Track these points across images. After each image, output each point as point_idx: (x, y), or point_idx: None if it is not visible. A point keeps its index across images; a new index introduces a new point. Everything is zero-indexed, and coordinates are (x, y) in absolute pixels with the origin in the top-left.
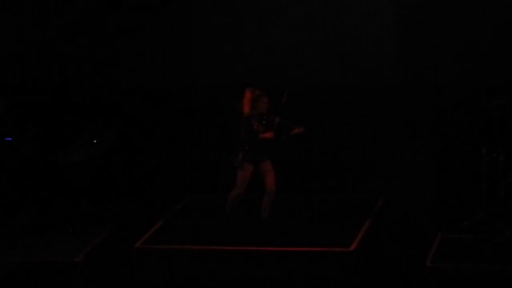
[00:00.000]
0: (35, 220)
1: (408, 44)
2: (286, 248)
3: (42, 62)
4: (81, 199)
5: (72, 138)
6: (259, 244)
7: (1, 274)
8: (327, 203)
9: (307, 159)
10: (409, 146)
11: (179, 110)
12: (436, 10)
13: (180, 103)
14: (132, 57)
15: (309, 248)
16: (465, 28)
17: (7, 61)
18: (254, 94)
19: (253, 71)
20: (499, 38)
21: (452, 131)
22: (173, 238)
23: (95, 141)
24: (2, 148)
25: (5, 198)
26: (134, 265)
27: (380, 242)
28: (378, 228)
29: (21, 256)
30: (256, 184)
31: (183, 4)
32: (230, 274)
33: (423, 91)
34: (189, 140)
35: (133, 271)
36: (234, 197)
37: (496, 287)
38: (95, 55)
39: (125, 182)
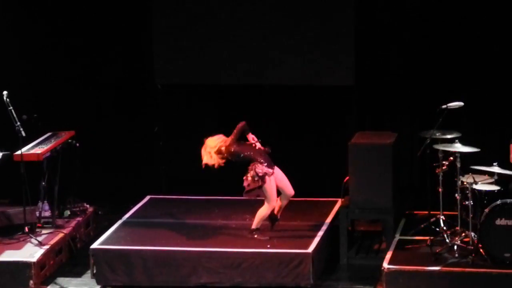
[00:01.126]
0: None
1: (368, 43)
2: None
3: None
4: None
5: None
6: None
7: None
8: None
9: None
10: (367, 147)
11: (140, 107)
12: (397, 8)
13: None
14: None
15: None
16: (427, 26)
17: None
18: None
19: (215, 70)
20: (457, 36)
21: (409, 132)
22: (130, 239)
23: None
24: None
25: None
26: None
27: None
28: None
29: None
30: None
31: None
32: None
33: (381, 90)
34: (153, 140)
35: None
36: (266, 213)
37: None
38: None
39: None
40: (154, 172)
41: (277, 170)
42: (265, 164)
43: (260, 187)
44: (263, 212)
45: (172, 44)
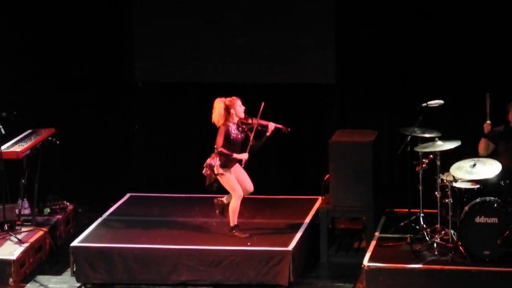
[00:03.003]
0: None
1: (348, 41)
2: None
3: None
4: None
5: None
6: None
7: None
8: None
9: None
10: (347, 145)
11: (121, 105)
12: (379, 7)
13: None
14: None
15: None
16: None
17: None
18: (225, 103)
19: (195, 68)
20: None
21: (389, 130)
22: (110, 236)
23: None
24: None
25: None
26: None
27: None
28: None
29: None
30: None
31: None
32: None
33: (362, 88)
34: (131, 140)
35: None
36: (237, 206)
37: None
38: None
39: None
40: (134, 170)
41: (236, 166)
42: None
43: (215, 180)
44: (233, 206)
45: (153, 42)
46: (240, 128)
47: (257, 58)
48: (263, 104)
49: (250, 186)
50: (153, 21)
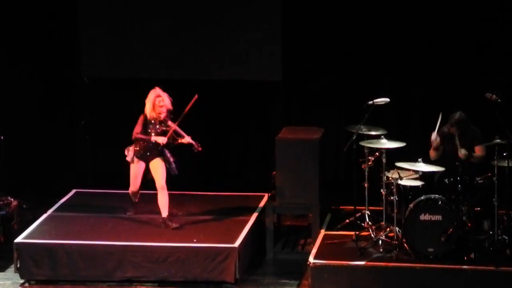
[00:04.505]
0: None
1: (295, 38)
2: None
3: None
4: None
5: None
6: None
7: None
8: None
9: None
10: (294, 142)
11: (66, 101)
12: (325, 4)
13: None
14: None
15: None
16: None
17: None
18: (157, 99)
19: (142, 64)
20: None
21: (335, 127)
22: (55, 233)
23: None
24: None
25: None
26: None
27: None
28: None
29: None
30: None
31: None
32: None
33: (308, 85)
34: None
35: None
36: (131, 193)
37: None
38: None
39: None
40: (80, 165)
41: (154, 162)
42: (139, 151)
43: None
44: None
45: (99, 37)
46: (157, 126)
47: (203, 55)
48: (196, 96)
49: (158, 183)
50: (99, 16)
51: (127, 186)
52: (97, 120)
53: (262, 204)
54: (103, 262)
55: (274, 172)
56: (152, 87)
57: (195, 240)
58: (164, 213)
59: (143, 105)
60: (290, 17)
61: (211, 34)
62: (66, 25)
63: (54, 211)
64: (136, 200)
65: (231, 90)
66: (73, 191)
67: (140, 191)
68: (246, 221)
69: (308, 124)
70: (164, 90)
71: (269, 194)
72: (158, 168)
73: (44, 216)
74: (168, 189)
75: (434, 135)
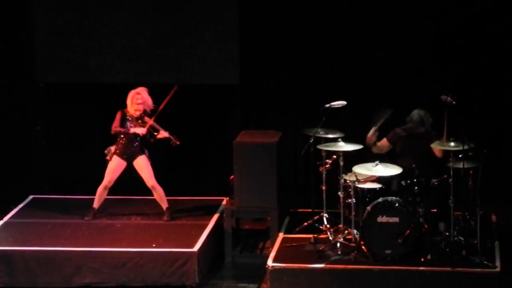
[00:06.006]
0: None
1: (252, 42)
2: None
3: None
4: None
5: None
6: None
7: None
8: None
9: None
10: (251, 146)
11: (22, 106)
12: (282, 9)
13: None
14: None
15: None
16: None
17: None
18: (135, 96)
19: (99, 68)
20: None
21: (293, 130)
22: (12, 239)
23: None
24: None
25: None
26: None
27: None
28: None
29: None
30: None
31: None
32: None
33: (265, 89)
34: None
35: None
36: (101, 189)
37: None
38: None
39: None
40: (36, 171)
41: (138, 162)
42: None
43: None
44: (98, 189)
45: (54, 42)
46: (134, 122)
47: (161, 58)
48: (175, 87)
49: (147, 183)
50: (54, 21)
51: (85, 191)
52: (53, 125)
53: (221, 208)
54: (61, 268)
55: (232, 176)
56: (107, 91)
57: (154, 245)
58: (164, 206)
59: (99, 109)
60: (247, 20)
61: (168, 37)
62: (20, 29)
63: (11, 217)
64: (97, 206)
65: (188, 94)
66: (30, 197)
67: (94, 197)
68: (205, 225)
69: (265, 127)
70: (120, 94)
71: (228, 198)
72: (143, 168)
73: (1, 222)
74: (127, 193)
75: (371, 131)
